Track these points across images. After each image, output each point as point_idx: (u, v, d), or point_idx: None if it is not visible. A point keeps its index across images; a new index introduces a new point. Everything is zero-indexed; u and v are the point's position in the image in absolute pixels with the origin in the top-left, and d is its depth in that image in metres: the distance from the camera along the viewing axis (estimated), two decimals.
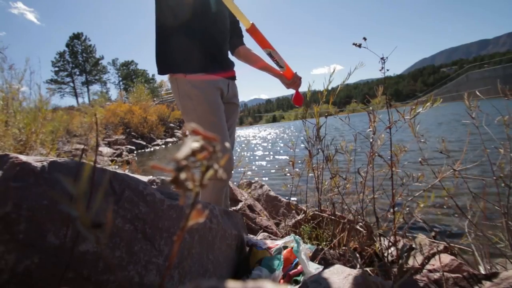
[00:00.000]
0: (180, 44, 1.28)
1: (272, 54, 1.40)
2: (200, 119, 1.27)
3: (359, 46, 1.27)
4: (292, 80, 1.49)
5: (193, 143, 0.20)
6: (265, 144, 12.02)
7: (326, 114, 1.59)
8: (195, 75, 1.27)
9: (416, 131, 1.13)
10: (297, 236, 1.25)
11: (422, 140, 1.12)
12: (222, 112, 1.32)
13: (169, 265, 0.21)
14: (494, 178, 1.07)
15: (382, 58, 1.26)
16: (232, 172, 1.37)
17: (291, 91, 1.54)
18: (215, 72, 1.33)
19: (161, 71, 1.33)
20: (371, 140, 1.29)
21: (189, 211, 0.20)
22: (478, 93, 1.13)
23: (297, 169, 1.74)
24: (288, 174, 1.78)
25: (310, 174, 1.61)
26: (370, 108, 1.28)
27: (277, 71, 1.51)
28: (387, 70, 1.27)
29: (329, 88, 1.57)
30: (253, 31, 1.32)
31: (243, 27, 1.37)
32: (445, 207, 1.24)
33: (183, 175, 0.19)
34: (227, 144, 0.24)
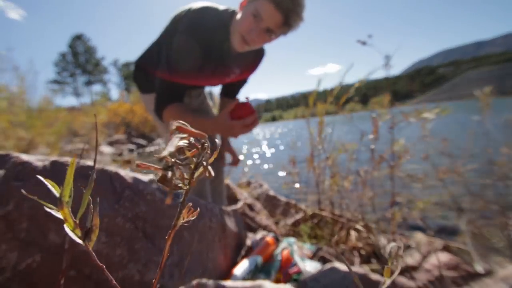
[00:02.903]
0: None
1: None
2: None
3: (364, 43, 1.27)
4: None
5: (179, 141, 0.20)
6: (265, 144, 12.01)
7: (325, 112, 1.59)
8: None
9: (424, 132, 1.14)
10: (291, 239, 1.27)
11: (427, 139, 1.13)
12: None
13: (163, 259, 0.21)
14: (493, 180, 1.07)
15: (387, 56, 1.26)
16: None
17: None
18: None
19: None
20: (372, 147, 1.29)
21: (180, 209, 0.20)
22: (474, 93, 1.13)
23: (296, 169, 1.74)
24: (288, 174, 1.78)
25: (309, 174, 1.61)
26: (375, 113, 1.28)
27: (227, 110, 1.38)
28: (391, 67, 1.27)
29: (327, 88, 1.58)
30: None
31: None
32: (443, 205, 1.25)
33: (170, 173, 0.19)
34: (218, 141, 0.23)
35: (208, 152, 0.21)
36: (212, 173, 0.20)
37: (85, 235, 0.19)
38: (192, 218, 0.20)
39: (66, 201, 0.18)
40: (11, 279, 0.57)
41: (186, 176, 0.20)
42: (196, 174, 0.20)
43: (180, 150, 0.20)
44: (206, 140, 0.21)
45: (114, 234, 0.68)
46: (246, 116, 1.06)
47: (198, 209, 0.21)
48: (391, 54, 1.27)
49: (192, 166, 0.20)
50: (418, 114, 1.17)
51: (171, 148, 0.19)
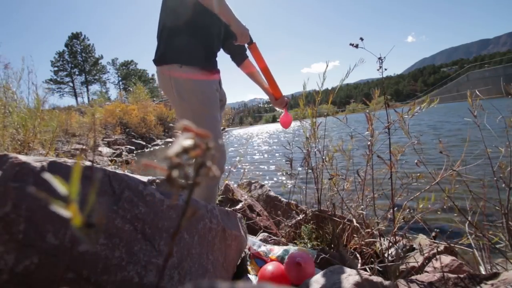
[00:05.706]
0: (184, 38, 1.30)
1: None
2: (195, 112, 1.28)
3: (356, 46, 1.26)
4: (280, 100, 1.63)
5: (185, 141, 0.19)
6: (266, 144, 12.00)
7: (326, 114, 1.59)
8: (193, 70, 1.28)
9: (409, 132, 1.14)
10: (291, 246, 1.27)
11: (416, 142, 1.12)
12: (218, 107, 1.36)
13: (166, 261, 0.20)
14: (495, 179, 1.07)
15: (379, 58, 1.25)
16: (225, 168, 1.38)
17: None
18: (213, 70, 1.38)
19: (160, 62, 1.33)
20: (368, 143, 1.29)
21: (184, 209, 0.20)
22: (478, 92, 1.13)
23: (296, 169, 1.74)
24: (288, 175, 1.77)
25: (309, 174, 1.61)
26: (367, 111, 1.28)
27: (268, 88, 1.63)
28: (385, 69, 1.26)
29: (329, 87, 1.58)
30: (254, 48, 1.45)
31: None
32: (445, 207, 1.25)
33: (176, 173, 0.18)
34: (221, 141, 0.23)
35: (213, 152, 0.21)
36: (218, 173, 0.20)
37: (88, 227, 0.19)
38: (196, 219, 0.20)
39: (74, 198, 0.17)
40: (9, 281, 0.55)
41: (190, 176, 0.20)
42: (200, 174, 0.20)
43: (186, 150, 0.19)
44: (211, 140, 0.21)
45: (113, 236, 0.67)
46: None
47: (201, 210, 0.20)
48: (384, 57, 1.26)
49: (197, 166, 0.20)
50: (410, 111, 1.16)
51: (177, 147, 0.19)
